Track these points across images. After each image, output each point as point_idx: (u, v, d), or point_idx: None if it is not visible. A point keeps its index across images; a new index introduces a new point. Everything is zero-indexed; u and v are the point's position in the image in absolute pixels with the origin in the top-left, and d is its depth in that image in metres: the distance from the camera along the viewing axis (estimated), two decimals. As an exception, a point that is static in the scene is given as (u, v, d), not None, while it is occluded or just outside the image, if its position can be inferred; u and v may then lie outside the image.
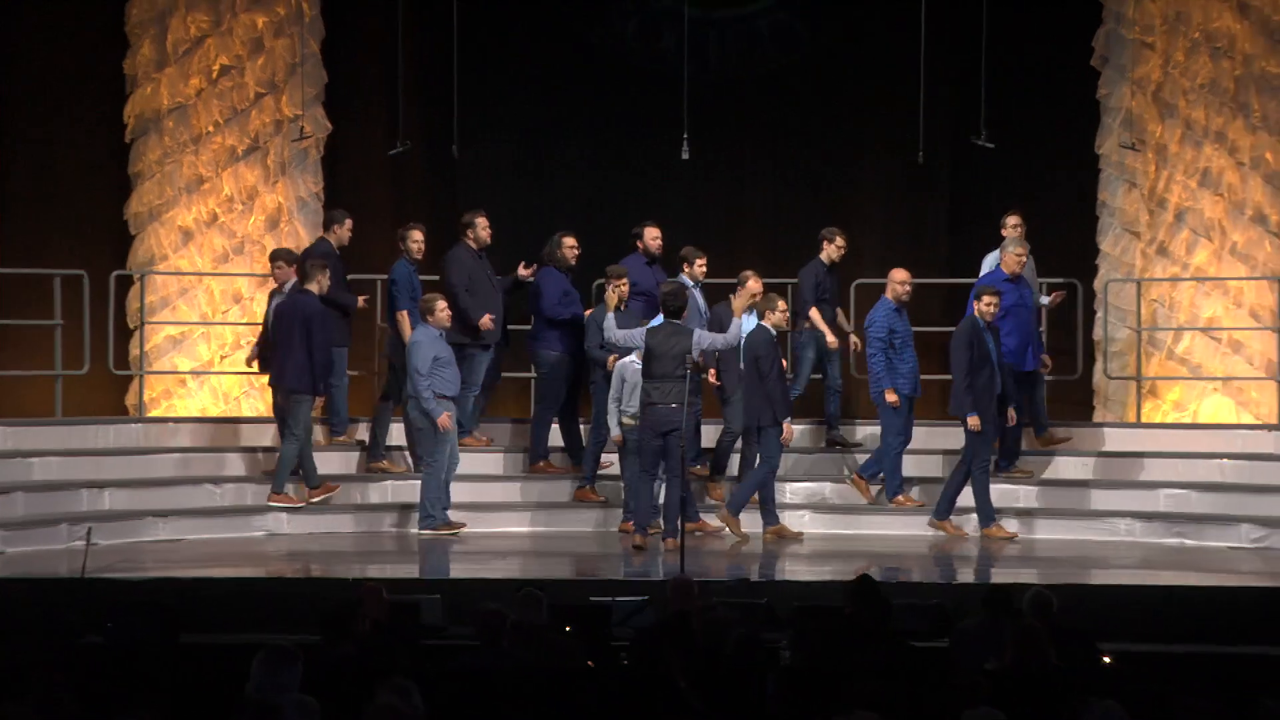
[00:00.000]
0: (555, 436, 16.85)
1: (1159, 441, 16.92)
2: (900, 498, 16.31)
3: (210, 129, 17.52)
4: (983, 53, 16.61)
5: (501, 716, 8.83)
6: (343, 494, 16.49)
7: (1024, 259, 16.36)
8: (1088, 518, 16.17)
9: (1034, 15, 17.95)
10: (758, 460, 15.69)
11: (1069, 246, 17.86)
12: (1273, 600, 12.97)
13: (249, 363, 16.79)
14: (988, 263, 16.73)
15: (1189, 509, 16.13)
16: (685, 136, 16.44)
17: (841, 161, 18.93)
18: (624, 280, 15.92)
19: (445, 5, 16.81)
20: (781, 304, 15.83)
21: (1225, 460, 16.52)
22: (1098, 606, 12.41)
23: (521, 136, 18.85)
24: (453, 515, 15.81)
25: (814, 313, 16.73)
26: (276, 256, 16.62)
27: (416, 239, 16.62)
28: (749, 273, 16.37)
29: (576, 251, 16.72)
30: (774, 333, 15.71)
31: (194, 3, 17.48)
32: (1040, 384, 16.78)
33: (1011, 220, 16.72)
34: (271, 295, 16.50)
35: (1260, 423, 17.01)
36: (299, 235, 17.63)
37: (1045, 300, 16.85)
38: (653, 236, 16.78)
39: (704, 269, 16.41)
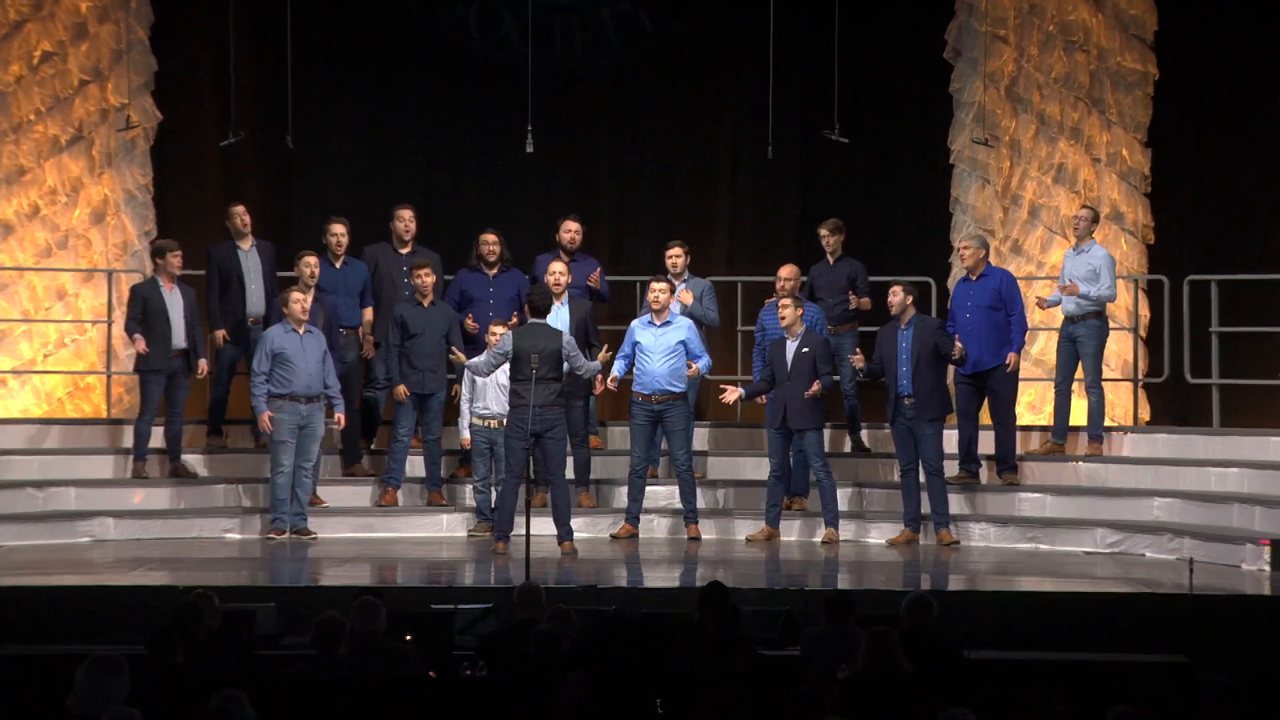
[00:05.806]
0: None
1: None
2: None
3: (31, 117, 17.33)
4: (835, 46, 16.66)
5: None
6: (179, 498, 16.38)
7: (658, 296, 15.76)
8: (943, 522, 16.17)
9: (886, 8, 18.11)
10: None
11: (923, 244, 17.97)
12: (1125, 606, 12.95)
13: None
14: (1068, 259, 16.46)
15: (1044, 513, 16.17)
16: (530, 129, 16.44)
17: (691, 156, 19.02)
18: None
19: (279, -10, 16.87)
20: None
21: (1080, 463, 16.57)
22: (953, 613, 12.11)
23: (360, 127, 18.91)
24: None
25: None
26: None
27: (335, 232, 16.43)
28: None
29: (494, 249, 16.44)
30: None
31: (13, -15, 17.41)
32: None
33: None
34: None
35: (1116, 425, 17.10)
36: (126, 229, 17.58)
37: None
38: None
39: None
